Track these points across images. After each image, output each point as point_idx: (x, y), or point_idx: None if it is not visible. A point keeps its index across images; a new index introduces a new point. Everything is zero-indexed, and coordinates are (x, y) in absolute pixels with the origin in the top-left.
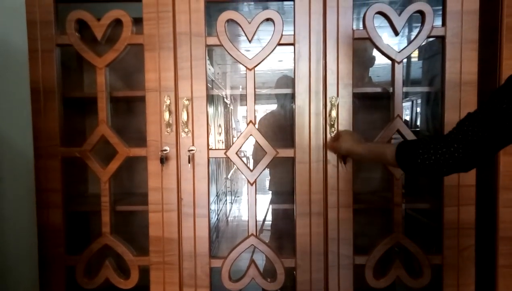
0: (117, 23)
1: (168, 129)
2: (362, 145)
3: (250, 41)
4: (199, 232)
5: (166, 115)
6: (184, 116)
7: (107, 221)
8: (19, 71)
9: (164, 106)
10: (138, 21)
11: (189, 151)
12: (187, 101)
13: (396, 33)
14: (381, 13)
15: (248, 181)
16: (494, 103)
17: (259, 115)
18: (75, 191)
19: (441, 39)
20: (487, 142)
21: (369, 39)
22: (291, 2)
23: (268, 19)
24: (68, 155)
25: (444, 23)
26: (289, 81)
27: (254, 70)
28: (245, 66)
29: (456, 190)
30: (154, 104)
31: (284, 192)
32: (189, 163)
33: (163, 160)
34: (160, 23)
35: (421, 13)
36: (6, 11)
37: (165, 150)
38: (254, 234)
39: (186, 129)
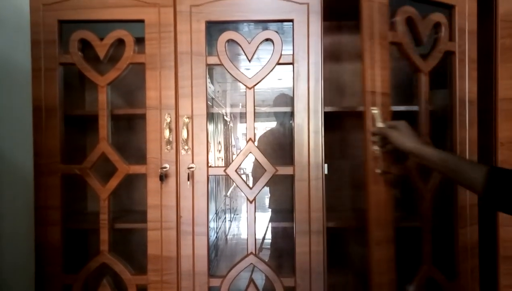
0: (120, 42)
1: (168, 146)
2: (435, 150)
3: (250, 61)
4: (198, 250)
5: (166, 132)
6: (184, 133)
7: (106, 239)
8: (21, 90)
9: (165, 124)
10: (140, 41)
11: (188, 168)
12: (187, 119)
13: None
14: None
15: (248, 199)
16: None
17: (259, 133)
18: (74, 208)
19: (451, 55)
20: None
21: None
22: (290, 23)
23: (267, 39)
24: (68, 172)
25: (453, 39)
26: (287, 99)
27: (254, 89)
28: (245, 85)
29: (464, 211)
30: (154, 122)
31: (283, 210)
32: (188, 180)
33: (163, 177)
34: (161, 43)
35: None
36: (10, 31)
37: (165, 167)
38: (254, 252)
39: (186, 147)
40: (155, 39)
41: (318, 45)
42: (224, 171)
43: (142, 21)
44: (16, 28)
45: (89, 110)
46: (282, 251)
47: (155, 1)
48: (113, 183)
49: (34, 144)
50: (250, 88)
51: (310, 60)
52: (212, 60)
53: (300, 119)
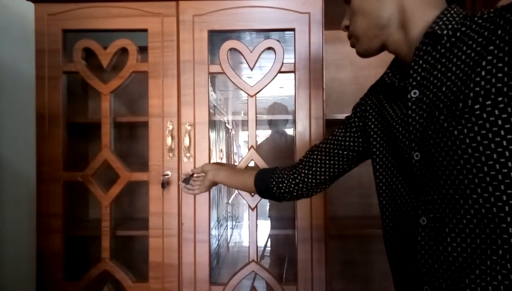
0: (123, 51)
1: (170, 154)
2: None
3: (251, 69)
4: (200, 258)
5: (169, 140)
6: (186, 141)
7: (107, 246)
8: (24, 98)
9: (167, 132)
10: (143, 49)
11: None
12: (189, 126)
13: None
14: None
15: (249, 206)
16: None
17: (260, 140)
18: (75, 215)
19: None
20: (331, 170)
21: None
22: (292, 32)
23: (269, 48)
24: (70, 179)
25: None
26: (280, 108)
27: (256, 97)
28: (247, 93)
29: None
30: (157, 129)
31: (284, 217)
32: None
33: (165, 184)
34: (164, 51)
35: None
36: (15, 39)
37: (167, 175)
38: (255, 260)
39: (188, 154)
40: (158, 48)
41: (319, 53)
42: None
43: (145, 30)
44: (21, 37)
45: (92, 118)
46: (282, 259)
47: (158, 10)
48: (115, 190)
49: (37, 152)
50: (252, 96)
51: (312, 68)
52: (214, 68)
53: (301, 127)
